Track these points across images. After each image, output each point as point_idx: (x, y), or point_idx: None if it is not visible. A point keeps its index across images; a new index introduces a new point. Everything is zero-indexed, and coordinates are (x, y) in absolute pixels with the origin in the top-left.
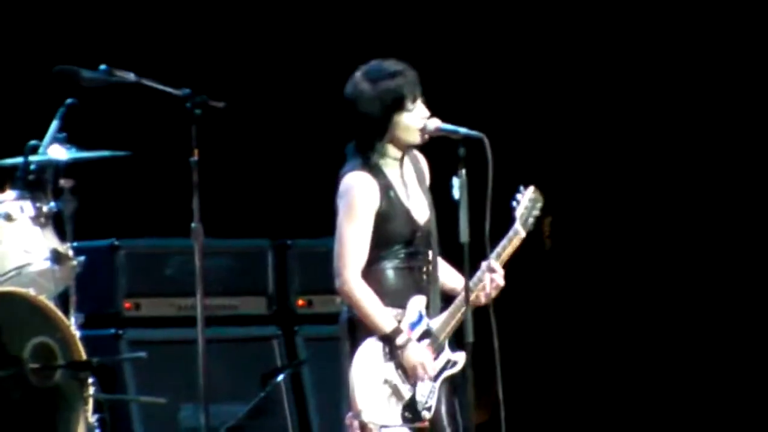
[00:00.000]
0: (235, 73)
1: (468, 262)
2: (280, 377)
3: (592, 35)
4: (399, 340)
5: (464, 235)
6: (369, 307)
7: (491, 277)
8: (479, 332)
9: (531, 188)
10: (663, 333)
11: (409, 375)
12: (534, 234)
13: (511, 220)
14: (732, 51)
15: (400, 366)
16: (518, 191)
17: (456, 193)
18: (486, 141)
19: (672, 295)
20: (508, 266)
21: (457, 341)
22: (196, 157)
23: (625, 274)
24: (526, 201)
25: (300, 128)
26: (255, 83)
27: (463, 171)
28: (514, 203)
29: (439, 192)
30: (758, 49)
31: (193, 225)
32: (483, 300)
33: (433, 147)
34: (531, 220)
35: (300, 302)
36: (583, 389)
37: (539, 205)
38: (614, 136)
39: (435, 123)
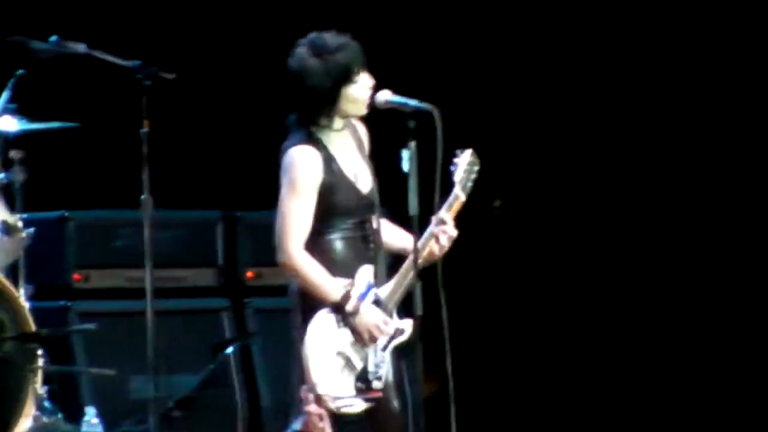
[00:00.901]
0: (184, 44)
1: (417, 233)
2: (230, 349)
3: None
4: (349, 306)
5: (413, 207)
6: (316, 278)
7: (443, 229)
8: (428, 304)
9: (468, 151)
10: (619, 309)
11: (364, 339)
12: (479, 202)
13: (449, 185)
14: (727, 50)
15: (354, 333)
16: (455, 155)
17: (405, 166)
18: (436, 113)
19: (631, 277)
20: (458, 239)
21: (406, 313)
22: (146, 129)
23: (576, 248)
24: (464, 165)
25: (249, 100)
26: (204, 55)
27: (413, 143)
28: (452, 167)
29: (387, 164)
30: (758, 49)
31: (142, 197)
32: (437, 253)
33: (379, 118)
34: (470, 184)
35: (249, 274)
36: (533, 361)
37: (476, 168)
38: (587, 119)
39: (385, 95)
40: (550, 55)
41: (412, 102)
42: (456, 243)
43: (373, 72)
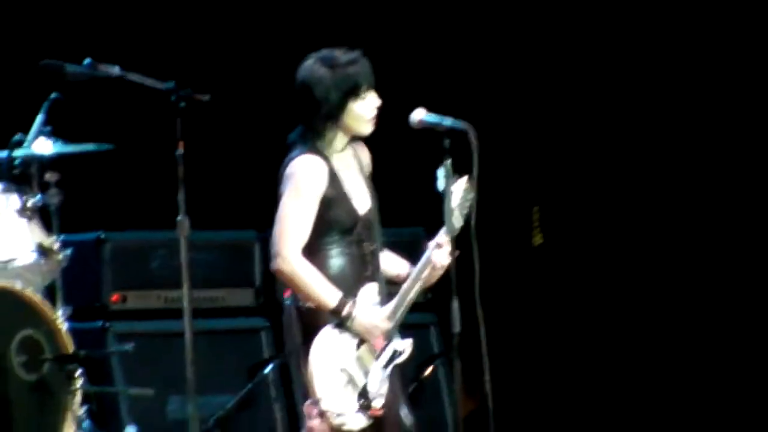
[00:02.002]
0: (219, 65)
1: (454, 251)
2: (268, 369)
3: (582, 28)
4: (346, 311)
5: (449, 226)
6: (312, 283)
7: (439, 253)
8: (466, 322)
9: (464, 179)
10: (656, 326)
11: (368, 339)
12: (523, 225)
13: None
14: (729, 51)
15: (358, 349)
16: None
17: (441, 184)
18: (471, 132)
19: (666, 291)
20: (495, 256)
21: (442, 331)
22: (181, 150)
23: (616, 265)
24: (460, 191)
25: (284, 120)
26: (239, 76)
27: (449, 162)
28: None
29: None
30: (758, 49)
31: (178, 218)
32: (434, 278)
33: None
34: (465, 211)
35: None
36: (572, 380)
37: (471, 196)
38: (606, 129)
39: (420, 114)
40: (582, 73)
41: (447, 121)
42: (494, 261)
43: (401, 90)
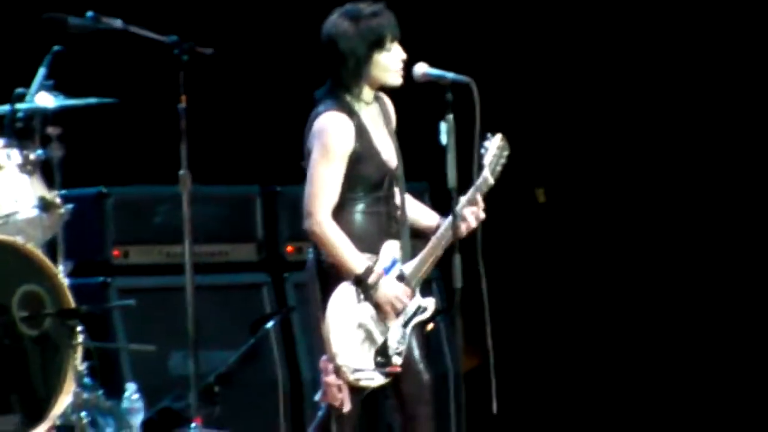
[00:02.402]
0: (221, 19)
1: (455, 206)
2: (270, 324)
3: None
4: (371, 279)
5: (452, 180)
6: (342, 248)
7: (472, 210)
8: (468, 278)
9: (498, 136)
10: (657, 282)
11: (385, 311)
12: (526, 181)
13: (479, 168)
14: (730, 51)
15: (375, 307)
16: (485, 138)
17: (443, 138)
18: (474, 86)
19: (661, 274)
20: (496, 214)
21: (446, 285)
22: (183, 104)
23: (620, 220)
24: (494, 149)
25: (288, 74)
26: (242, 29)
27: (451, 116)
28: (482, 150)
29: (425, 136)
30: (758, 49)
31: (181, 172)
32: (464, 232)
33: (416, 91)
34: (498, 168)
35: (289, 249)
36: (574, 336)
37: (506, 153)
38: (612, 98)
39: (422, 68)
40: (594, 35)
41: (450, 75)
42: (496, 217)
43: (407, 46)
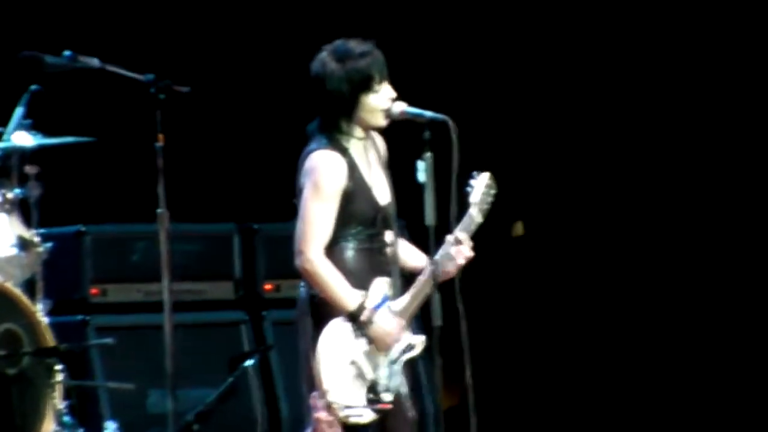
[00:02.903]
0: (198, 57)
1: (434, 245)
2: (248, 362)
3: (563, 20)
4: (363, 317)
5: (430, 218)
6: (335, 285)
7: (459, 249)
8: (447, 316)
9: (486, 174)
10: (639, 322)
11: (380, 346)
12: (503, 222)
13: (465, 204)
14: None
15: (369, 343)
16: (472, 177)
17: (421, 176)
18: (451, 124)
19: (648, 286)
20: (475, 250)
21: (424, 325)
22: (161, 143)
23: (598, 259)
24: (482, 187)
25: (264, 112)
26: (219, 68)
27: (429, 154)
28: (468, 188)
29: (402, 175)
30: (758, 49)
31: (158, 210)
32: (452, 272)
33: (394, 130)
34: (486, 206)
35: (267, 287)
36: (553, 374)
37: (493, 192)
38: (588, 123)
39: (400, 106)
40: (568, 74)
41: (428, 113)
42: (476, 255)
43: (394, 83)
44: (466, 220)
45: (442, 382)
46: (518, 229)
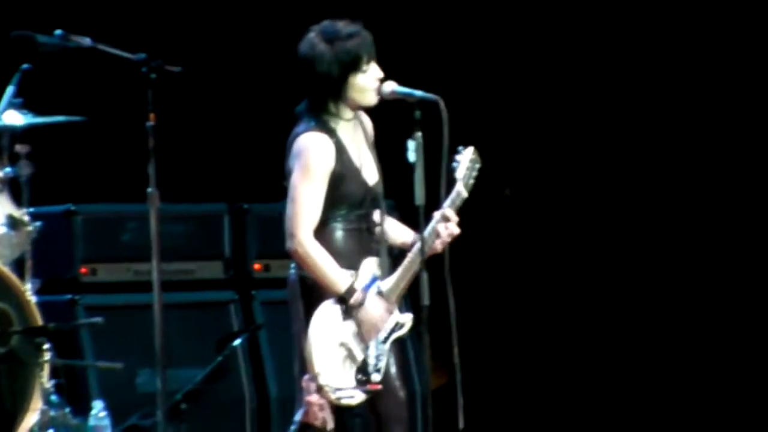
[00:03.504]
0: (190, 36)
1: (423, 224)
2: (237, 341)
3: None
4: (353, 299)
5: (420, 197)
6: (324, 267)
7: (446, 225)
8: (435, 295)
9: (470, 149)
10: (631, 305)
11: (366, 331)
12: (489, 191)
13: (450, 182)
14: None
15: (357, 325)
16: (457, 152)
17: (411, 156)
18: (441, 103)
19: (641, 270)
20: (464, 229)
21: (412, 304)
22: (152, 122)
23: (589, 237)
24: (467, 162)
25: (256, 92)
26: (210, 47)
27: (419, 134)
28: (454, 164)
29: (391, 154)
30: (758, 49)
31: (149, 190)
32: (439, 248)
33: (383, 109)
34: (471, 181)
35: (257, 266)
36: (541, 353)
37: (478, 166)
38: (574, 100)
39: (391, 86)
40: (556, 45)
41: (418, 92)
42: (464, 232)
43: (380, 64)
44: (452, 195)
45: (431, 361)
46: (506, 193)
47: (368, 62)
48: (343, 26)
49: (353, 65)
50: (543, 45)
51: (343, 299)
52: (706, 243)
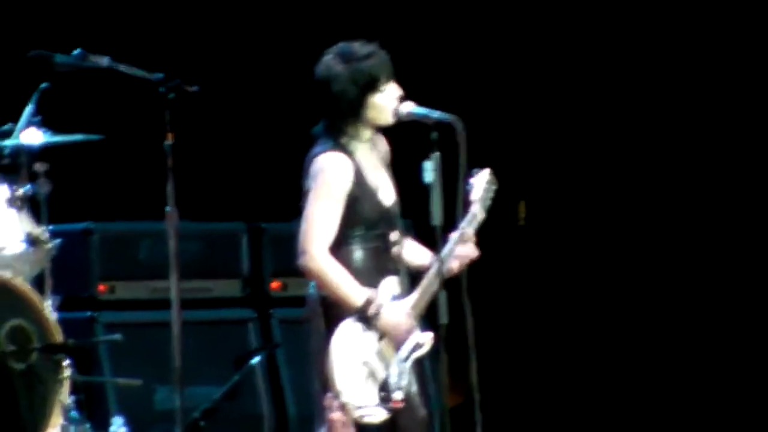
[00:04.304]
0: (208, 56)
1: (440, 245)
2: (255, 360)
3: (568, 21)
4: (371, 310)
5: (437, 218)
6: (339, 281)
7: (463, 247)
8: (453, 314)
9: (486, 171)
10: (645, 322)
11: (391, 338)
12: (509, 217)
13: (466, 204)
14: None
15: (380, 340)
16: (471, 174)
17: (428, 177)
18: (459, 125)
19: (652, 284)
20: (481, 249)
21: (430, 323)
22: (170, 141)
23: (603, 258)
24: (483, 184)
25: (273, 112)
26: (228, 67)
27: (437, 154)
28: (468, 186)
29: (408, 174)
30: (758, 49)
31: (167, 208)
32: (456, 270)
33: (400, 129)
34: (488, 202)
35: (274, 285)
36: (559, 372)
37: (494, 188)
38: (591, 119)
39: (408, 107)
40: (576, 69)
41: (435, 113)
42: (481, 253)
43: (399, 83)
44: (468, 217)
45: (449, 380)
46: (521, 210)
47: (386, 82)
48: (359, 47)
49: (370, 85)
50: (563, 69)
51: (361, 313)
52: (713, 246)
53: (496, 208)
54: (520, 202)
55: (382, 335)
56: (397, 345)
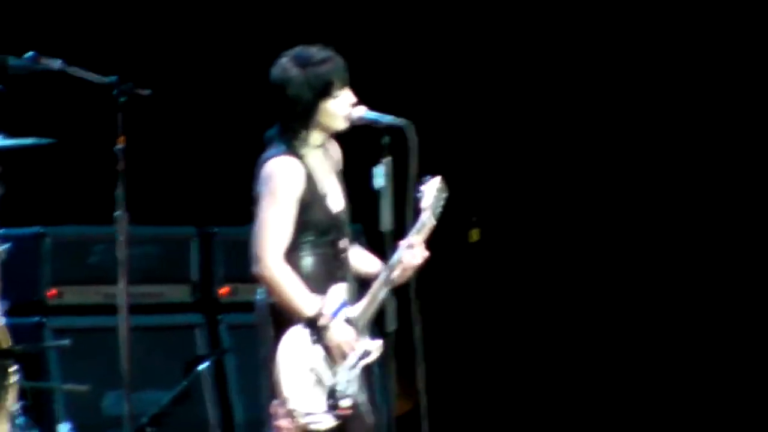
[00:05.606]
0: (160, 60)
1: (390, 250)
2: (203, 365)
3: (522, 25)
4: (321, 322)
5: (386, 223)
6: (292, 291)
7: (412, 253)
8: (402, 321)
9: (437, 179)
10: (598, 324)
11: (335, 355)
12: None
13: (416, 211)
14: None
15: (326, 349)
16: (422, 182)
17: (378, 182)
18: (410, 129)
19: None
20: (431, 256)
21: (378, 330)
22: (121, 145)
23: (552, 261)
24: (433, 191)
25: (225, 116)
26: (180, 70)
27: (389, 159)
28: (418, 194)
29: (358, 179)
30: (758, 49)
31: (117, 213)
32: (405, 277)
33: (351, 134)
34: (438, 210)
35: (224, 290)
36: (508, 378)
37: (444, 195)
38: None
39: (359, 111)
40: (529, 73)
41: (386, 118)
42: (430, 261)
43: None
44: (417, 225)
45: (397, 387)
46: (474, 235)
47: (341, 88)
48: (315, 51)
49: (325, 90)
50: (515, 73)
51: (311, 323)
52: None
53: (446, 215)
54: (473, 228)
55: (328, 349)
56: (344, 355)
